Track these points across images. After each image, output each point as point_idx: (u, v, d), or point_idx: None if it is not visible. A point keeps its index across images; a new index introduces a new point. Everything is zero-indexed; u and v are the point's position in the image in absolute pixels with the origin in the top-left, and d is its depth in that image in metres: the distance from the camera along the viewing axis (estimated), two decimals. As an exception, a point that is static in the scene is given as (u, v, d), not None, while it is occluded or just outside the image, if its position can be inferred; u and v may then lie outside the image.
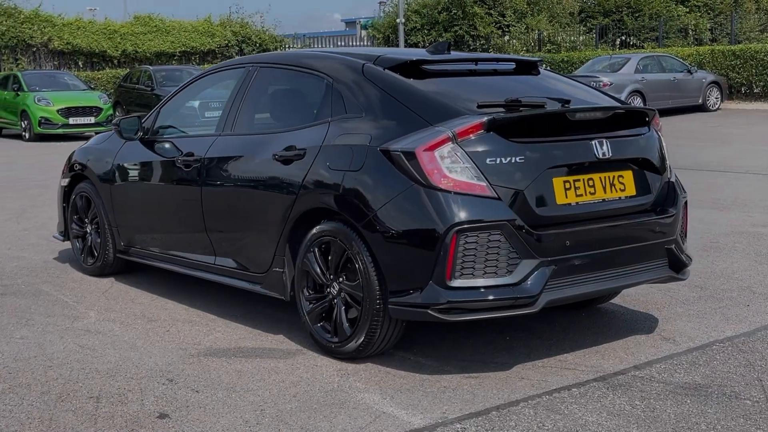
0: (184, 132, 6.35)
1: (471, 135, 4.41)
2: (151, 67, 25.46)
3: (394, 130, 4.62)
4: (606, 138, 4.77)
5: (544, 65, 5.75)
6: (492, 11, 33.74)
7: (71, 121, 22.00)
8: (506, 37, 33.09)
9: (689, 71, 24.20)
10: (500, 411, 4.11)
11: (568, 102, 4.89)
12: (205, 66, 29.90)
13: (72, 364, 4.87)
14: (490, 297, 4.36)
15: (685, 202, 5.32)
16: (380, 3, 40.94)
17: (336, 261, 4.78)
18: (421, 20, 34.06)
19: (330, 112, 5.03)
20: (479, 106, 4.63)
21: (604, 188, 4.78)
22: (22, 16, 27.53)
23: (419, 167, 4.38)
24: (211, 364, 4.82)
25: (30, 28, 27.53)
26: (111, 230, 6.69)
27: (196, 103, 5.75)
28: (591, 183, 4.72)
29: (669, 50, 27.86)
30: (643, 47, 31.47)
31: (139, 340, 5.31)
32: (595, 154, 4.70)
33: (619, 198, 4.84)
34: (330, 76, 5.14)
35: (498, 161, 4.42)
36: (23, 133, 22.23)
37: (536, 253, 4.42)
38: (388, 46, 34.73)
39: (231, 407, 4.20)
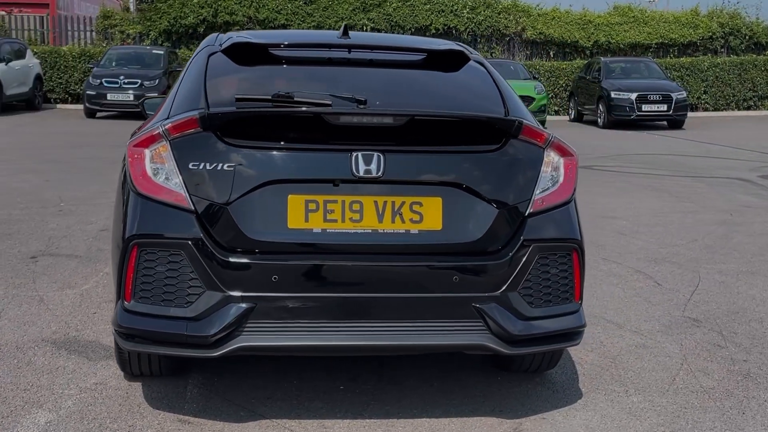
0: None
1: (184, 133, 3.70)
2: (603, 59, 24.70)
3: (152, 121, 4.06)
4: (384, 151, 3.65)
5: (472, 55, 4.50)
6: None
7: (502, 109, 22.27)
8: None
9: None
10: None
11: (364, 103, 3.82)
12: (684, 60, 28.13)
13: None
14: (162, 330, 3.64)
15: (572, 250, 3.86)
16: None
17: None
18: None
19: None
20: (237, 100, 3.84)
21: (381, 216, 3.67)
22: (500, 7, 28.40)
23: (128, 165, 3.80)
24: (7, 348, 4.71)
25: (506, 18, 28.31)
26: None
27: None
28: (356, 208, 3.65)
29: None
30: None
31: (16, 311, 5.37)
32: (352, 171, 3.62)
33: (407, 231, 3.68)
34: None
35: (202, 167, 3.64)
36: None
37: (225, 285, 3.57)
38: None
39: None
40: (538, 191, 3.82)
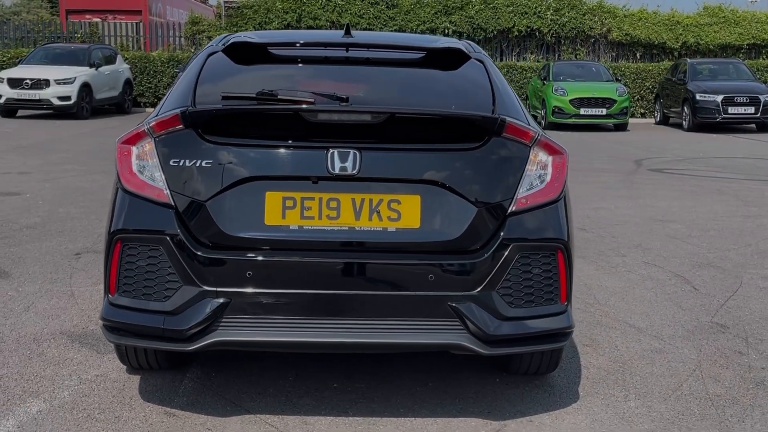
0: None
1: (167, 130, 3.78)
2: (689, 60, 24.08)
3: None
4: (361, 149, 3.66)
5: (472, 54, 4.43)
6: None
7: (582, 111, 22.04)
8: None
9: None
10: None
11: (346, 101, 3.82)
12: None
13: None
14: (141, 323, 3.72)
15: (557, 250, 3.79)
16: None
17: None
18: None
19: None
20: (223, 98, 3.91)
21: (358, 214, 3.67)
22: (585, 8, 27.93)
23: (116, 162, 3.90)
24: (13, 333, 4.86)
25: (591, 20, 27.83)
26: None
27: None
28: (333, 205, 3.67)
29: None
30: None
31: (45, 305, 5.51)
32: (327, 169, 3.63)
33: (384, 229, 3.67)
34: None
35: (182, 163, 3.71)
36: (540, 121, 22.84)
37: (201, 280, 3.63)
38: None
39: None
40: (522, 190, 3.76)
